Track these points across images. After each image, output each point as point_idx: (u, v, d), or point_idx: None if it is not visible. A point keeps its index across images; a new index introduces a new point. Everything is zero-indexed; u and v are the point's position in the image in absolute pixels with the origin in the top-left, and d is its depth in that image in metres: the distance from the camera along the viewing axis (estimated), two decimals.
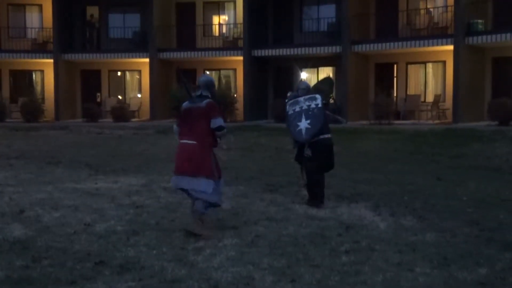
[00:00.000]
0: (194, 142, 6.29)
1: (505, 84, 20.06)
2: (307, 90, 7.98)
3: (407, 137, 16.50)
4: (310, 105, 7.72)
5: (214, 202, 6.36)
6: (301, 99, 7.86)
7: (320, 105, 7.69)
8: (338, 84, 22.95)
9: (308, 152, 7.67)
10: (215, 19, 26.35)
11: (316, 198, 7.64)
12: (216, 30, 26.28)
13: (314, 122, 7.61)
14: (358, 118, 21.75)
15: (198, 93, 6.48)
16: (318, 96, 7.82)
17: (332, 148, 7.89)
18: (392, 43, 21.58)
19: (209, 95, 6.47)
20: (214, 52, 24.69)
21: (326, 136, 7.75)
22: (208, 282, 4.70)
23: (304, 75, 24.69)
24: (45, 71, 27.02)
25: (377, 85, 22.59)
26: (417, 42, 20.98)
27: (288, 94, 8.45)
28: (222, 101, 22.18)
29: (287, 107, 7.99)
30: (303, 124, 7.65)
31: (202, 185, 6.21)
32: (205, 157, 6.28)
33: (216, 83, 24.90)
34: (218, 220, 6.83)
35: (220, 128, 6.33)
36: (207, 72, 26.14)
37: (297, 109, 7.80)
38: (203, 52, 24.88)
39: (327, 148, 7.77)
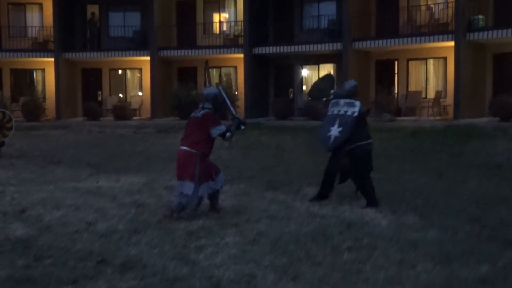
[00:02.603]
0: (185, 148, 6.83)
1: (506, 81, 20.01)
2: (350, 93, 7.67)
3: (408, 134, 16.49)
4: (346, 112, 7.46)
5: (184, 203, 6.80)
6: (342, 101, 7.60)
7: (356, 114, 7.40)
8: (339, 82, 22.93)
9: (345, 160, 7.50)
10: (216, 17, 26.32)
11: (370, 200, 7.50)
12: (216, 28, 26.25)
13: (343, 131, 7.38)
14: None
15: (201, 105, 6.98)
16: (357, 103, 7.52)
17: (370, 154, 7.67)
18: (392, 40, 21.54)
19: (210, 108, 6.89)
20: (214, 50, 24.66)
21: (364, 142, 7.51)
22: (210, 280, 4.70)
23: (304, 72, 24.68)
24: (46, 70, 27.01)
25: (378, 82, 22.54)
26: (418, 38, 20.94)
27: (332, 92, 8.16)
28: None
29: (329, 106, 7.75)
30: (335, 130, 7.42)
31: (185, 188, 6.76)
32: (189, 163, 6.74)
33: (217, 80, 25.09)
34: (219, 218, 6.85)
35: (222, 135, 6.86)
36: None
37: (335, 111, 7.56)
38: (203, 50, 24.85)
39: (365, 155, 7.56)
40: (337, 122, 7.45)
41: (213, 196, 7.14)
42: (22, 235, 6.18)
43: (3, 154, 13.58)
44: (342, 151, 7.53)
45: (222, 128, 6.82)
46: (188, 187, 6.73)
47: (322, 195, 7.85)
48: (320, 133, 7.72)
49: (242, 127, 7.12)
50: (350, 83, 7.89)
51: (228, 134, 6.86)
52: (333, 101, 7.77)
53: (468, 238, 5.90)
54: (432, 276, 4.77)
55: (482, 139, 14.90)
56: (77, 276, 4.84)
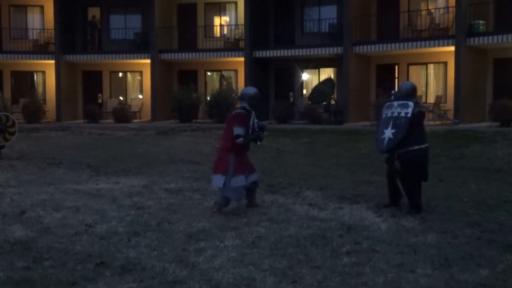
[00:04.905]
0: (219, 145, 7.39)
1: (507, 85, 20.00)
2: (404, 94, 7.43)
3: None
4: (400, 113, 7.25)
5: (226, 196, 7.22)
6: (395, 103, 7.40)
7: (409, 115, 7.17)
8: (339, 85, 22.98)
9: (397, 164, 7.28)
10: (216, 20, 26.35)
11: (414, 207, 7.31)
12: (217, 31, 26.28)
13: (397, 133, 7.18)
14: (359, 119, 21.75)
15: (239, 103, 7.38)
16: (411, 103, 7.28)
17: (423, 160, 7.32)
18: (393, 44, 21.56)
19: (245, 106, 7.26)
20: (215, 53, 24.69)
21: (417, 147, 7.23)
22: (209, 283, 4.70)
23: (305, 76, 24.70)
24: (46, 72, 27.03)
25: (378, 86, 22.56)
26: (418, 43, 20.95)
27: (392, 92, 8.03)
28: (224, 104, 22.18)
29: (383, 109, 7.59)
30: (388, 133, 7.25)
31: (216, 180, 7.22)
32: (222, 158, 7.18)
33: (217, 84, 25.16)
34: (219, 220, 6.84)
35: (235, 136, 7.11)
36: (208, 73, 26.18)
37: (389, 114, 7.39)
38: (204, 53, 24.88)
39: (417, 160, 7.25)
40: (391, 124, 7.29)
41: (250, 192, 7.53)
42: (21, 236, 6.18)
43: (3, 155, 13.58)
44: (393, 155, 7.33)
45: (239, 130, 7.10)
46: (219, 180, 7.14)
47: (392, 202, 7.66)
48: (375, 136, 7.57)
49: (258, 143, 7.48)
50: (407, 84, 7.62)
51: (240, 139, 7.10)
52: (387, 104, 7.58)
53: (468, 242, 5.90)
54: (431, 280, 4.77)
55: (482, 143, 14.91)
56: (76, 278, 4.84)
